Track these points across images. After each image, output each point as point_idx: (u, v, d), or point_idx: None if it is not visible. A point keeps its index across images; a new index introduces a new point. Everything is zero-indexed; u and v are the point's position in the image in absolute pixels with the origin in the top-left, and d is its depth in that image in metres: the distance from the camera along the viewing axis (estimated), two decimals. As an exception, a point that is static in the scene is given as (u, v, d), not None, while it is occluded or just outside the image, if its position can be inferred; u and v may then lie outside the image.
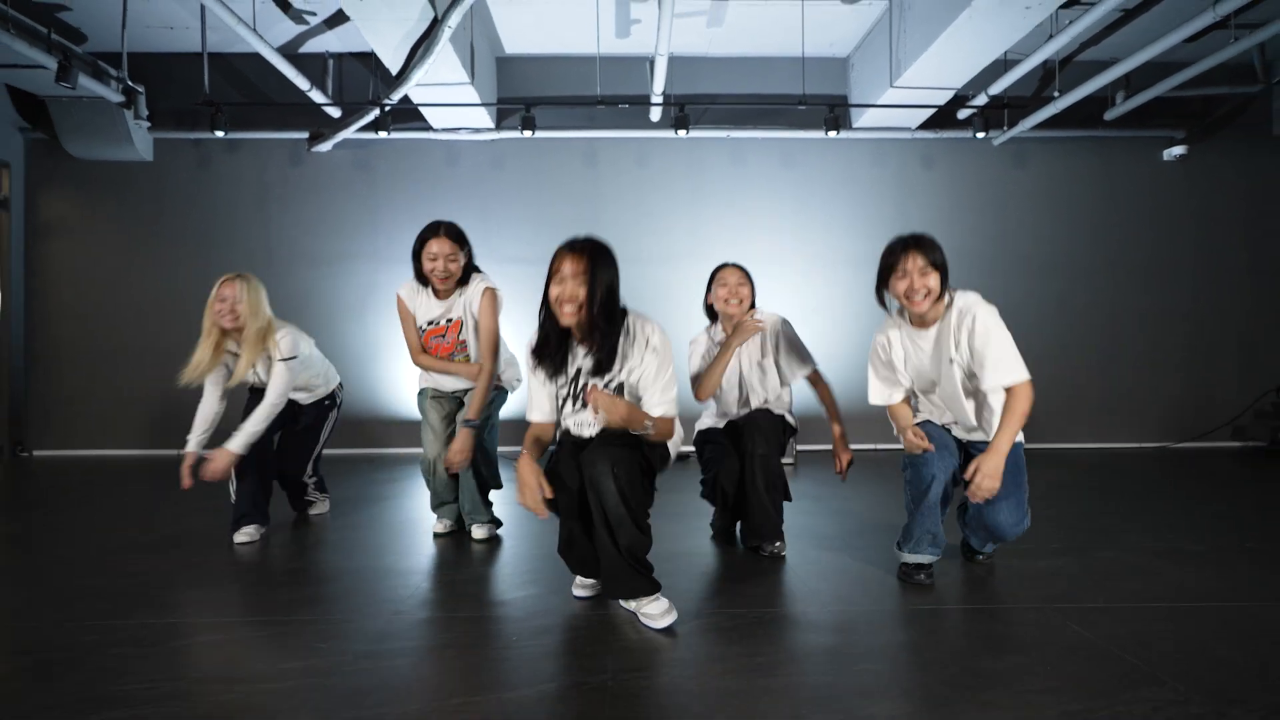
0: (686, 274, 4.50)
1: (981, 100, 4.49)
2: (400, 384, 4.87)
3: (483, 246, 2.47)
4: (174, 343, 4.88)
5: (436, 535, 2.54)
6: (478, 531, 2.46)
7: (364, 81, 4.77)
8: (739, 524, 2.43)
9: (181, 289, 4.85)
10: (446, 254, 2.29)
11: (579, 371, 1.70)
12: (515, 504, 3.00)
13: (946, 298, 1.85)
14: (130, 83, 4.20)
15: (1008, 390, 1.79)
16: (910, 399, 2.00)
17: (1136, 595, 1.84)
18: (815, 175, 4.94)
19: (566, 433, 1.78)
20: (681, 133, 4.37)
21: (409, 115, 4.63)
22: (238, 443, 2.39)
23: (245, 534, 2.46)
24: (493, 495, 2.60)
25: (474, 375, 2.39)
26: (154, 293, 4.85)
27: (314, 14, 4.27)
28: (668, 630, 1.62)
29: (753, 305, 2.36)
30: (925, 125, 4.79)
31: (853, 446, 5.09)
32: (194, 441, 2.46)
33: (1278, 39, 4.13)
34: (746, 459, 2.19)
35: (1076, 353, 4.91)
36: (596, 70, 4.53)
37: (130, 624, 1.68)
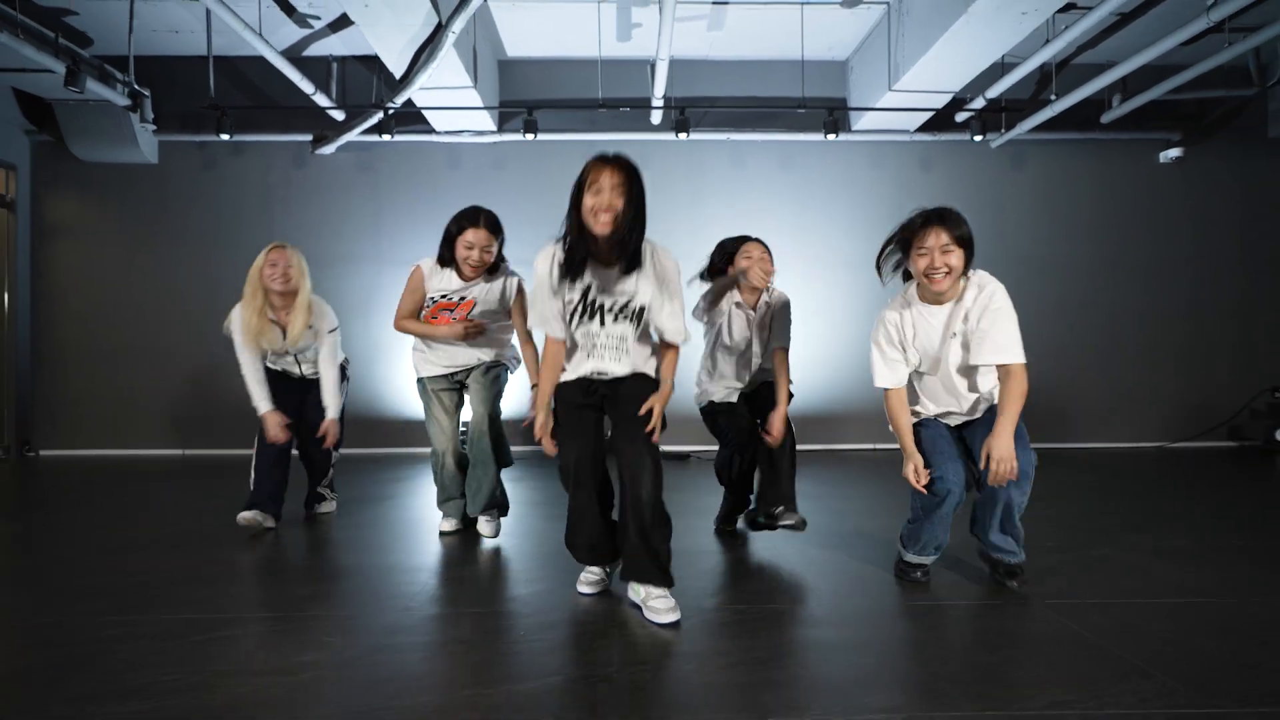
0: (687, 274, 4.53)
1: (979, 103, 4.53)
2: (403, 384, 4.92)
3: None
4: (177, 343, 4.97)
5: (443, 534, 2.58)
6: (485, 528, 2.47)
7: (367, 84, 4.81)
8: (741, 510, 2.57)
9: (185, 290, 4.89)
10: (483, 244, 2.31)
11: (590, 286, 1.77)
12: (517, 503, 3.05)
13: (965, 277, 1.80)
14: (136, 86, 4.24)
15: (1005, 372, 1.76)
16: (909, 388, 1.95)
17: (1129, 592, 1.89)
18: (815, 177, 4.98)
19: (567, 386, 1.85)
20: (682, 135, 4.42)
21: (411, 118, 4.67)
22: (335, 410, 2.67)
23: (248, 517, 2.54)
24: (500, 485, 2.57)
25: (457, 335, 2.38)
26: (158, 294, 4.89)
27: (318, 18, 4.31)
28: (670, 626, 1.68)
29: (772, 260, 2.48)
30: (924, 128, 4.83)
31: (852, 446, 5.14)
32: (266, 403, 2.60)
33: (1273, 42, 4.17)
34: (780, 469, 2.35)
35: (1075, 353, 4.96)
36: (598, 73, 4.57)
37: (147, 619, 1.73)
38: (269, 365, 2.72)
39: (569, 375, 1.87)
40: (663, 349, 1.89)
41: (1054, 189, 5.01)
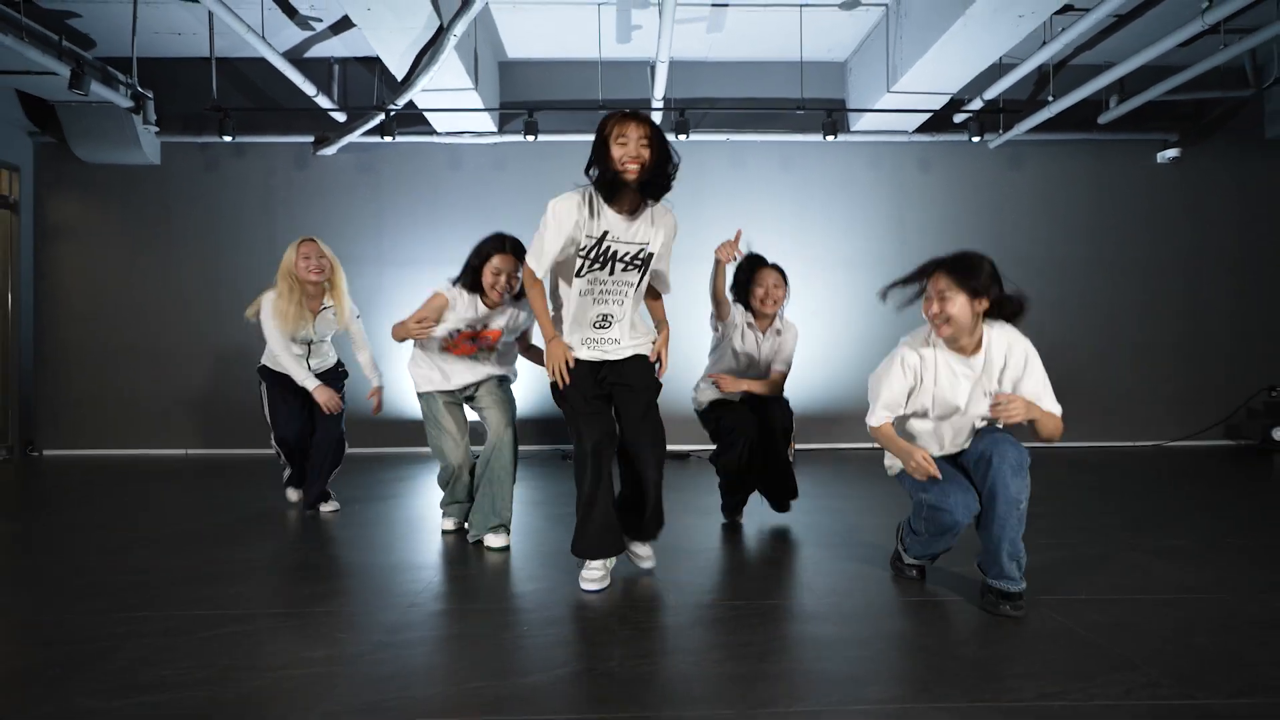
0: (686, 275, 4.56)
1: (977, 104, 4.56)
2: (405, 384, 4.95)
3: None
4: (179, 343, 5.00)
5: (445, 532, 2.62)
6: (496, 540, 2.36)
7: (368, 85, 4.84)
8: (743, 499, 2.75)
9: (187, 291, 4.92)
10: (510, 270, 2.31)
11: (607, 233, 1.85)
12: (518, 503, 3.09)
13: (984, 328, 1.74)
14: (139, 88, 4.27)
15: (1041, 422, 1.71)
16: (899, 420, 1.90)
17: (1120, 588, 1.93)
18: (814, 178, 5.01)
19: (578, 373, 1.92)
20: (682, 136, 4.44)
21: (412, 119, 4.70)
22: (379, 379, 2.92)
23: (296, 492, 3.07)
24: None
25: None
26: (160, 294, 4.92)
27: (319, 20, 4.33)
28: (650, 573, 2.03)
29: (786, 289, 2.65)
30: (922, 129, 4.86)
31: (850, 446, 5.17)
32: (312, 379, 2.78)
33: (1269, 44, 4.20)
34: (779, 434, 2.55)
35: (1072, 353, 4.99)
36: (598, 75, 4.60)
37: (156, 616, 1.76)
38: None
39: (574, 338, 1.95)
40: (650, 299, 2.10)
41: (1052, 189, 5.04)
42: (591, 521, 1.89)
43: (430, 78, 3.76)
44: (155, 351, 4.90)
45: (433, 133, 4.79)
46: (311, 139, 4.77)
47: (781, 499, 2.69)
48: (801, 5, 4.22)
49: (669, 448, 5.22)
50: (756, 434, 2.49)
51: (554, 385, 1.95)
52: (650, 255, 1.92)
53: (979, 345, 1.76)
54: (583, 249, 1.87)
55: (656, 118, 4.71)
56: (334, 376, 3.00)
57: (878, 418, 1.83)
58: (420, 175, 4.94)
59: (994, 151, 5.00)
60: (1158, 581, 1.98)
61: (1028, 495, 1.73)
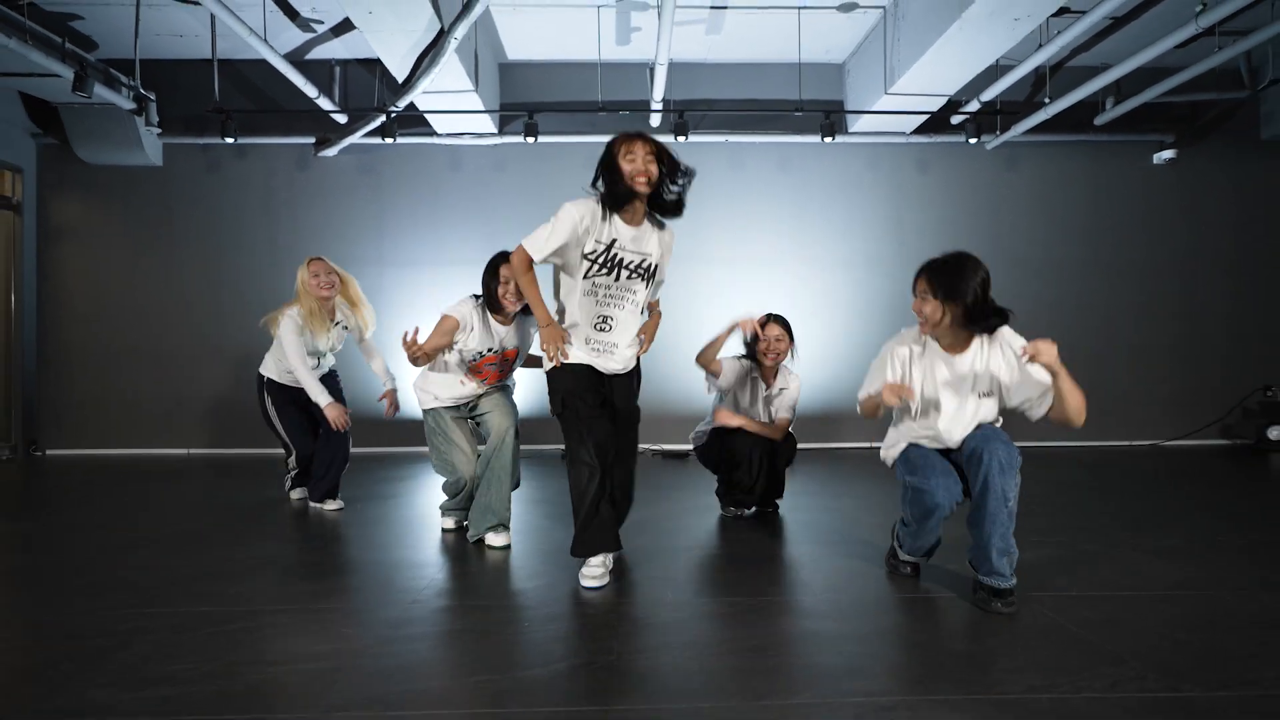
0: (686, 276, 4.61)
1: (974, 106, 4.59)
2: (406, 385, 4.98)
3: (486, 249, 2.56)
4: (181, 344, 5.03)
5: (445, 531, 2.65)
6: (497, 539, 2.40)
7: (369, 87, 4.87)
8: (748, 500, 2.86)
9: (189, 291, 4.95)
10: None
11: (615, 241, 1.97)
12: (518, 502, 3.12)
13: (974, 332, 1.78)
14: (141, 90, 4.29)
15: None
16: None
17: (1111, 585, 1.96)
18: (812, 179, 5.04)
19: (580, 380, 2.01)
20: (681, 138, 4.47)
21: (413, 120, 4.73)
22: (392, 382, 3.04)
23: (300, 491, 3.16)
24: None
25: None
26: (162, 295, 4.95)
27: (321, 22, 4.36)
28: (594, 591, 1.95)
29: (789, 344, 2.75)
30: (920, 130, 4.89)
31: (847, 445, 5.20)
32: (325, 396, 2.87)
33: (1264, 46, 4.23)
34: (781, 458, 2.77)
35: (1069, 353, 4.90)
36: (598, 76, 4.63)
37: (165, 613, 1.80)
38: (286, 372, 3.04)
39: (577, 338, 2.03)
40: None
41: (1049, 190, 5.07)
42: (593, 522, 1.95)
43: (431, 80, 3.79)
44: (157, 352, 4.93)
45: (433, 134, 4.82)
46: (313, 140, 4.79)
47: (766, 503, 2.89)
48: (799, 7, 4.25)
49: (669, 447, 5.21)
50: (765, 451, 2.71)
51: (554, 397, 2.03)
52: (655, 267, 2.05)
53: (967, 345, 1.81)
54: (590, 253, 1.97)
55: (655, 119, 4.75)
56: (333, 381, 3.11)
57: (865, 392, 1.94)
58: (421, 176, 4.97)
59: (991, 153, 5.03)
60: (1149, 579, 2.01)
61: (1017, 493, 1.76)
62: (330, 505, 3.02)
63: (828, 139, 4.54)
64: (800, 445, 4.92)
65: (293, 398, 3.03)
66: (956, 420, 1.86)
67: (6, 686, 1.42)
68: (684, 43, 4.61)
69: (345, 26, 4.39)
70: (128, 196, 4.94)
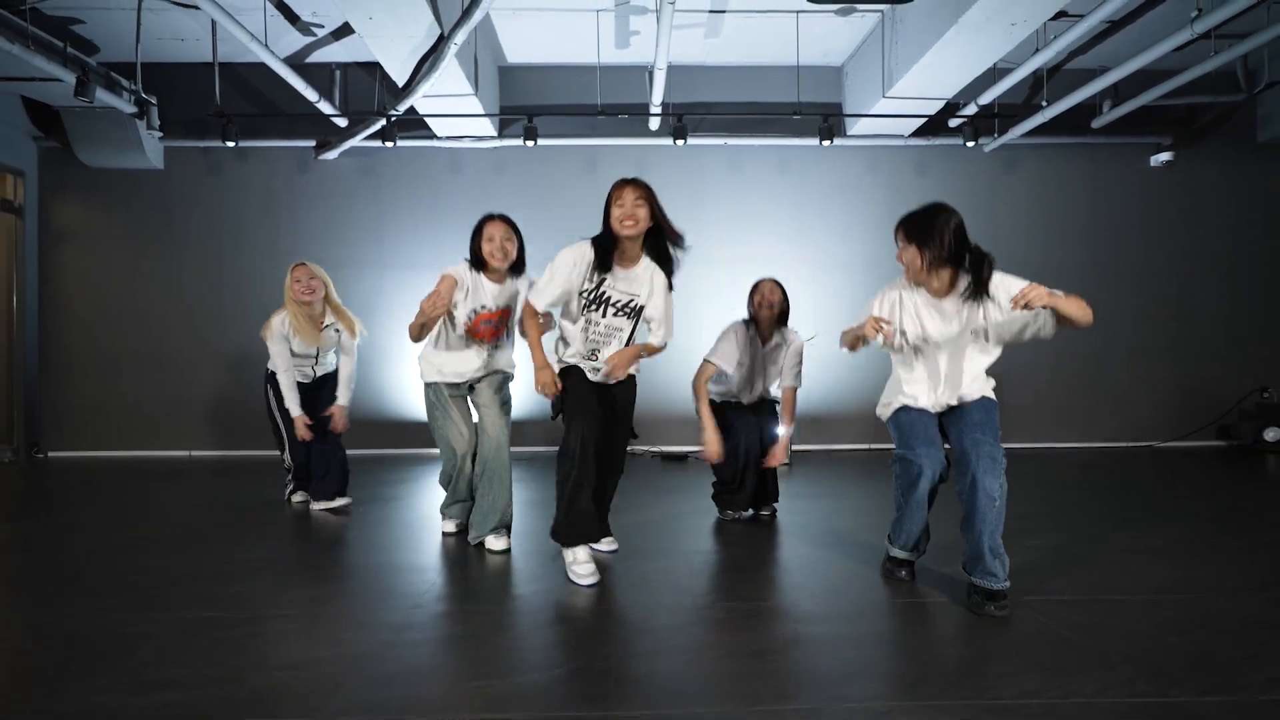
0: (685, 277, 4.60)
1: (972, 109, 4.61)
2: (407, 386, 5.00)
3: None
4: (181, 347, 5.05)
5: (445, 534, 2.67)
6: (499, 543, 2.43)
7: (369, 90, 4.88)
8: (741, 499, 2.92)
9: (190, 294, 4.97)
10: (502, 235, 2.43)
11: (605, 280, 2.13)
12: (517, 504, 3.14)
13: (957, 272, 1.87)
14: (143, 94, 4.31)
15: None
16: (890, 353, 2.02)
17: (1103, 588, 1.98)
18: (811, 181, 5.05)
19: (578, 371, 2.17)
20: (680, 141, 4.49)
21: (413, 124, 4.74)
22: (345, 399, 3.11)
23: (302, 494, 3.20)
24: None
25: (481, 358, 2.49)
26: (163, 298, 4.97)
27: (321, 26, 4.38)
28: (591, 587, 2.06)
29: (785, 313, 2.85)
30: (918, 133, 4.90)
31: (846, 446, 5.23)
32: (297, 407, 3.04)
33: (1260, 50, 4.24)
34: (764, 448, 2.79)
35: (1067, 354, 5.04)
36: (597, 80, 4.64)
37: (168, 617, 1.82)
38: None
39: (573, 353, 2.20)
40: (648, 347, 2.28)
41: (1046, 192, 5.09)
42: (575, 509, 2.04)
43: (431, 84, 3.80)
44: (158, 355, 4.95)
45: (433, 137, 4.83)
46: (313, 143, 4.81)
47: (763, 503, 2.92)
48: (798, 11, 4.26)
49: (668, 449, 5.23)
50: (755, 439, 2.79)
51: (554, 400, 2.19)
52: (641, 307, 2.19)
53: (950, 289, 1.90)
54: (583, 291, 2.15)
55: (654, 122, 4.77)
56: (331, 381, 3.18)
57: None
58: (421, 179, 4.99)
59: (989, 155, 5.05)
60: (1141, 581, 2.04)
61: (1002, 493, 1.82)
62: (338, 502, 3.10)
63: (825, 143, 4.55)
64: (798, 447, 5.03)
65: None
66: (950, 364, 1.92)
67: (10, 689, 1.44)
68: (683, 46, 4.62)
69: (345, 30, 4.40)
70: (129, 199, 4.96)
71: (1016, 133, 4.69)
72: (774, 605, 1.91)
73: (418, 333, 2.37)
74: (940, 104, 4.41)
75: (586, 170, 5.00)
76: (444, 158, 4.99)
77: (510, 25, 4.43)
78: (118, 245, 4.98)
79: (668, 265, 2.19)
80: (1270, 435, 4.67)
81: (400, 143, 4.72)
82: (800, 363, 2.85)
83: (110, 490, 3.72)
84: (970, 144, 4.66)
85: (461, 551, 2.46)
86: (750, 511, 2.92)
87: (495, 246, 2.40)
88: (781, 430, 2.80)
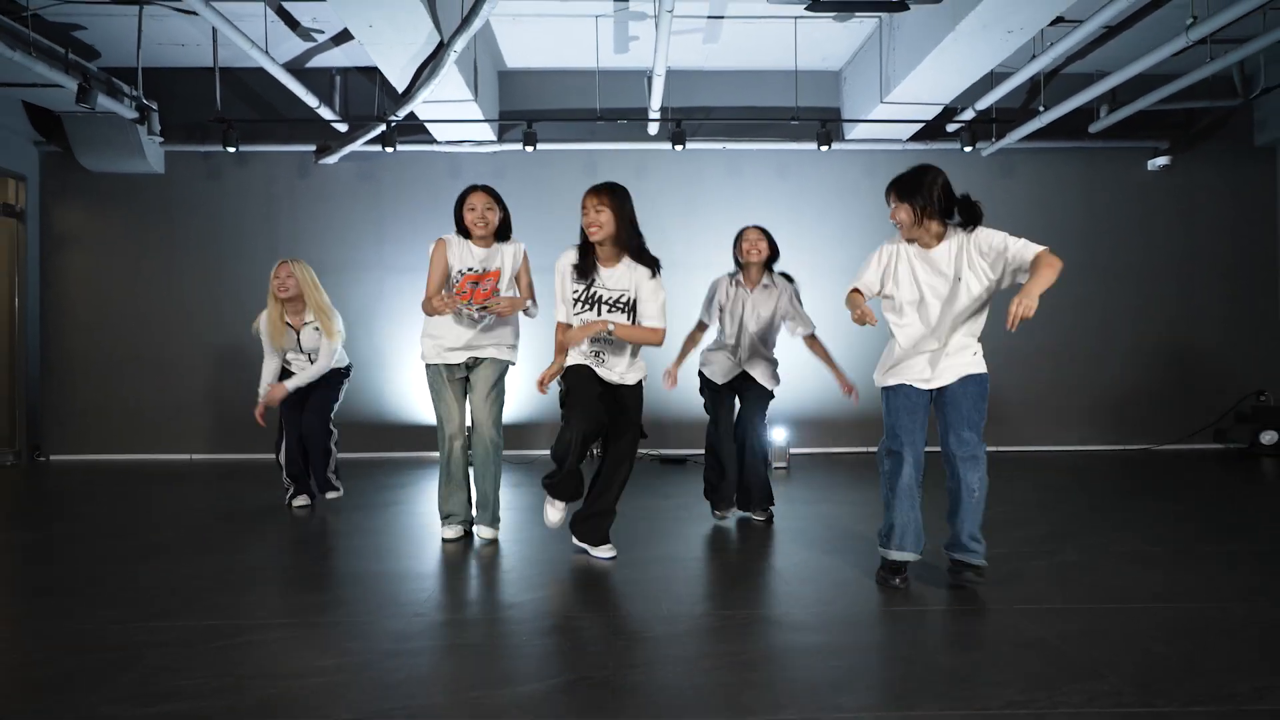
0: (684, 280, 4.64)
1: (969, 114, 4.62)
2: (407, 389, 5.03)
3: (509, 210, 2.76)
4: (182, 350, 5.08)
5: (445, 540, 2.69)
6: (486, 532, 2.65)
7: (369, 94, 4.90)
8: (726, 495, 2.97)
9: (190, 298, 5.00)
10: (484, 204, 2.58)
11: (593, 281, 2.29)
12: (517, 509, 3.18)
13: (945, 225, 2.07)
14: (144, 100, 4.33)
15: (1038, 257, 1.98)
16: (882, 311, 2.21)
17: (1093, 595, 2.01)
18: (810, 185, 5.07)
19: (582, 367, 2.31)
20: (678, 146, 4.51)
21: (413, 128, 4.76)
22: (291, 384, 3.11)
23: (301, 499, 3.24)
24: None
25: (514, 305, 2.62)
26: (164, 301, 5.00)
27: (321, 31, 4.40)
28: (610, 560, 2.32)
29: (773, 260, 2.92)
30: (916, 137, 4.92)
31: (844, 450, 5.25)
32: (263, 386, 3.15)
33: (1256, 55, 4.25)
34: (746, 450, 2.84)
35: (1064, 357, 5.07)
36: (596, 84, 4.66)
37: (173, 626, 1.84)
38: (285, 366, 3.23)
39: (577, 355, 2.33)
40: (646, 330, 2.35)
41: (1045, 196, 5.11)
42: (563, 475, 2.27)
43: (430, 90, 3.82)
44: (159, 358, 4.98)
45: (433, 142, 4.86)
46: (313, 148, 4.83)
47: (752, 505, 2.92)
48: (796, 17, 4.28)
49: (667, 452, 5.25)
50: (734, 427, 2.90)
51: (561, 393, 2.35)
52: (632, 301, 2.30)
53: (939, 240, 2.09)
54: (575, 293, 2.32)
55: (653, 127, 4.79)
56: (330, 377, 3.23)
57: (854, 281, 2.20)
58: (420, 183, 5.01)
59: (987, 159, 5.07)
60: (1131, 589, 2.06)
61: (982, 485, 2.04)
62: (330, 496, 3.25)
63: (824, 147, 4.57)
64: (796, 450, 5.05)
65: (291, 398, 3.16)
66: (940, 312, 2.07)
67: (17, 699, 1.47)
68: (682, 51, 4.64)
69: (345, 36, 4.42)
70: (130, 204, 4.99)
71: (1014, 137, 4.71)
72: (768, 614, 1.93)
73: (429, 310, 2.56)
74: (938, 109, 4.43)
75: (586, 175, 5.01)
76: (444, 162, 5.01)
77: (510, 30, 4.45)
78: (119, 249, 5.01)
79: (646, 259, 2.30)
80: (1266, 438, 4.70)
81: (400, 147, 4.73)
82: (800, 306, 2.92)
83: (111, 495, 3.74)
84: (968, 149, 4.68)
85: (461, 558, 2.49)
86: (739, 512, 2.95)
87: (477, 215, 2.56)
88: (838, 375, 2.95)
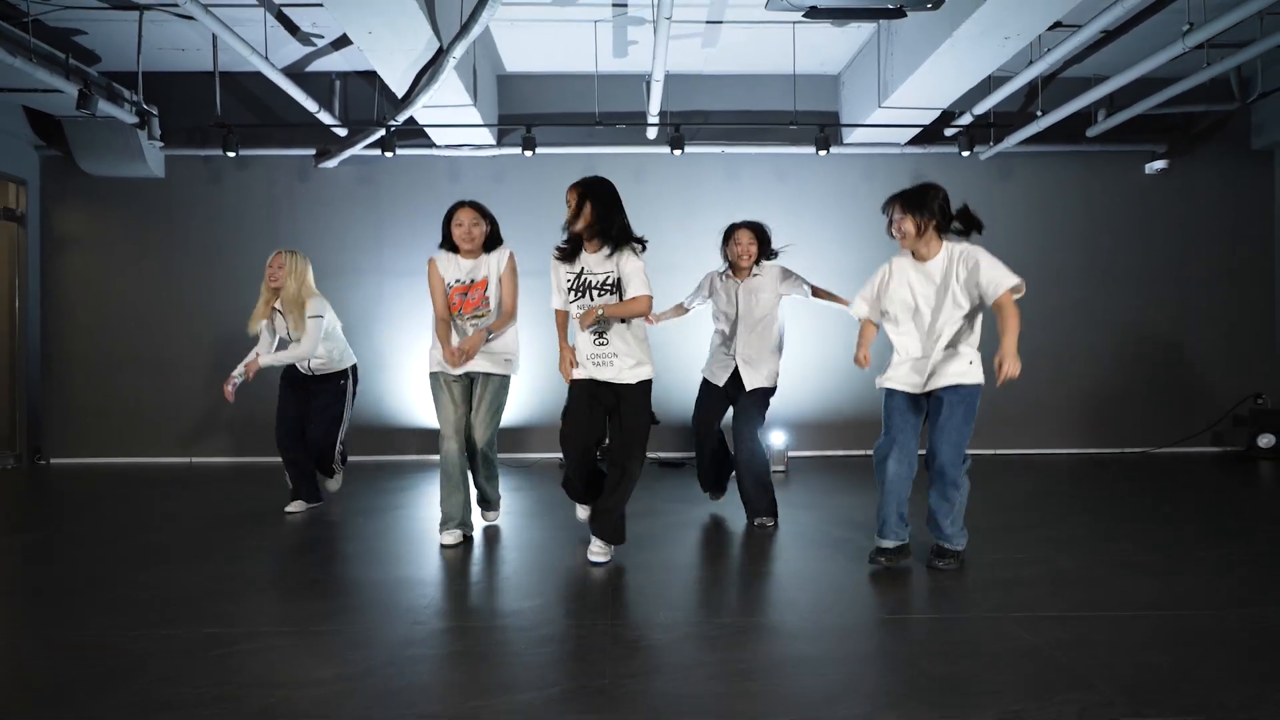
0: (683, 282, 4.64)
1: (967, 119, 4.63)
2: (407, 392, 5.04)
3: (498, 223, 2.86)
4: (182, 353, 5.09)
5: (445, 546, 2.71)
6: (488, 516, 2.97)
7: (369, 98, 4.91)
8: (717, 477, 3.21)
9: (191, 301, 5.01)
10: (471, 220, 2.70)
11: (582, 270, 2.41)
12: (516, 514, 3.19)
13: (942, 241, 2.29)
14: (144, 105, 4.34)
15: (999, 307, 2.21)
16: (882, 324, 2.45)
17: (1086, 603, 2.02)
18: (808, 189, 5.08)
19: (582, 383, 2.45)
20: (677, 151, 4.52)
21: (412, 133, 4.77)
22: (266, 360, 3.15)
23: (295, 506, 3.25)
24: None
25: (479, 341, 2.69)
26: (164, 304, 5.01)
27: (321, 36, 4.41)
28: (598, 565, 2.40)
29: (763, 257, 3.02)
30: (914, 141, 4.93)
31: (844, 452, 5.26)
32: (237, 371, 3.16)
33: (1253, 60, 4.26)
34: (741, 464, 2.89)
35: (1062, 360, 5.08)
36: (595, 88, 4.67)
37: (173, 634, 1.86)
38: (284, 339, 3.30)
39: (582, 355, 2.44)
40: (631, 303, 2.45)
41: (1043, 199, 5.12)
42: (568, 484, 2.53)
43: (430, 96, 3.83)
44: (159, 361, 4.99)
45: (432, 146, 4.86)
46: (313, 152, 4.84)
47: (750, 513, 2.98)
48: (794, 22, 4.29)
49: (666, 455, 5.26)
50: (705, 431, 3.07)
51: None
52: (618, 280, 2.42)
53: (934, 254, 2.30)
54: (568, 281, 2.45)
55: (652, 131, 4.80)
56: (333, 388, 3.27)
57: (855, 306, 2.48)
58: (420, 187, 5.02)
59: (985, 163, 5.07)
60: (1124, 597, 2.08)
61: (959, 493, 2.29)
62: (331, 485, 3.42)
63: (823, 152, 4.58)
64: (795, 453, 5.07)
65: (290, 379, 3.27)
66: (931, 318, 2.28)
67: (19, 708, 1.49)
68: (680, 55, 4.65)
69: (345, 40, 4.43)
70: (130, 207, 4.99)
71: (1012, 141, 4.72)
72: (764, 622, 1.95)
73: (437, 334, 2.75)
74: (936, 113, 4.43)
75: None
76: (443, 166, 5.02)
77: (509, 35, 4.46)
78: (119, 253, 5.02)
79: (626, 239, 2.41)
80: (1263, 441, 4.70)
81: (399, 151, 4.74)
82: (793, 274, 3.04)
83: (112, 498, 3.76)
84: (966, 153, 4.69)
85: (458, 566, 2.50)
86: (718, 493, 3.23)
87: (464, 231, 2.69)
88: (842, 304, 3.04)
